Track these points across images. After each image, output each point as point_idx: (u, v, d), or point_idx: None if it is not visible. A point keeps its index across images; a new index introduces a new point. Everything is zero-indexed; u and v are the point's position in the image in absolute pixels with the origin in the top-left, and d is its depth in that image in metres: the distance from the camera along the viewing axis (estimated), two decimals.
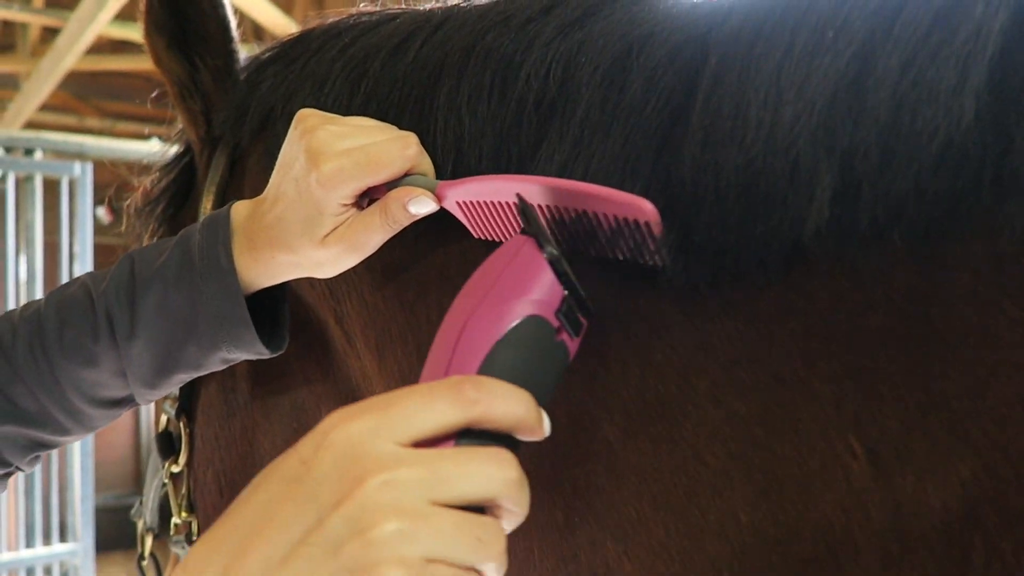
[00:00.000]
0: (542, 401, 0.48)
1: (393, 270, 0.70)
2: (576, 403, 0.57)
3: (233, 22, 0.89)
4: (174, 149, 0.98)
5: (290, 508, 0.40)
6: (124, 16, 3.65)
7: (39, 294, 3.22)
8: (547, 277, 0.51)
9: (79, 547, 3.19)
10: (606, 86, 0.57)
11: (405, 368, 0.69)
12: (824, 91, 0.46)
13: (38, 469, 2.89)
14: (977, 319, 0.43)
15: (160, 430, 0.93)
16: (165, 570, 0.97)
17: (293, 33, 0.87)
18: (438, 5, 0.76)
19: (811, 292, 0.48)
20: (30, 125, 4.94)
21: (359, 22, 0.79)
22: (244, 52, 0.91)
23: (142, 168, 1.02)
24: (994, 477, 0.41)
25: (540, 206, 0.56)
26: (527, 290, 0.50)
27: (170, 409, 0.91)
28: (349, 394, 0.78)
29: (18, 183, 3.21)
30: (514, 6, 0.66)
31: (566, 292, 0.51)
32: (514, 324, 0.49)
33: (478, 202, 0.60)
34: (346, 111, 0.71)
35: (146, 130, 4.81)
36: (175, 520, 0.92)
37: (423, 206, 0.61)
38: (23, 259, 3.24)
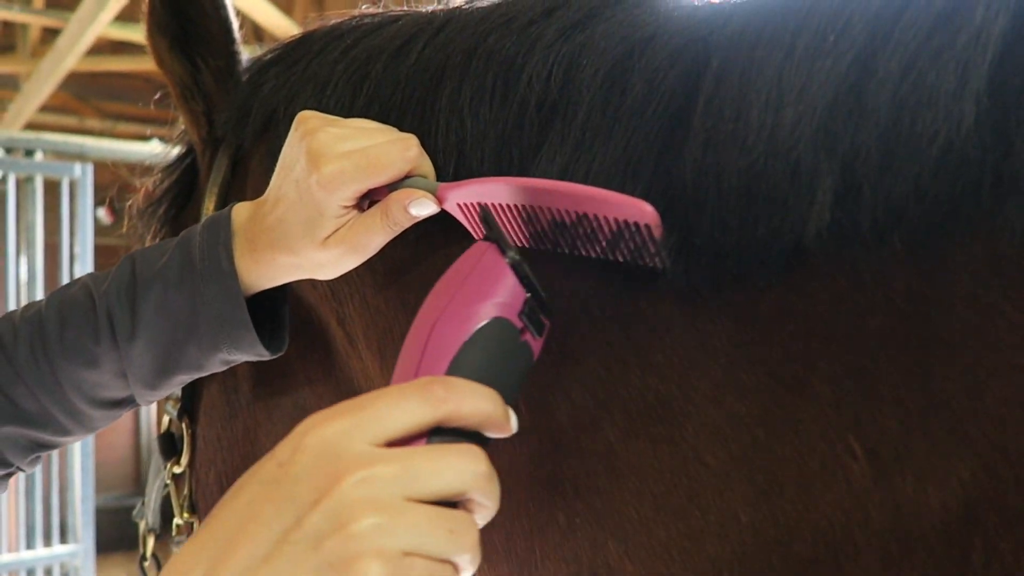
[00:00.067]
0: (509, 399, 0.49)
1: (395, 272, 0.70)
2: (577, 404, 0.58)
3: (235, 23, 0.90)
4: (176, 150, 0.98)
5: (270, 508, 0.42)
6: (124, 17, 3.64)
7: (39, 295, 3.22)
8: (510, 280, 0.52)
9: (79, 548, 3.19)
10: (607, 88, 0.57)
11: None
12: (825, 94, 0.47)
13: (38, 470, 2.89)
14: (977, 321, 0.43)
15: (162, 431, 0.93)
16: None
17: (295, 35, 0.87)
18: (440, 7, 0.76)
19: (811, 293, 0.48)
20: (30, 126, 4.94)
21: (361, 24, 0.79)
22: (246, 53, 0.91)
23: (143, 169, 1.02)
24: (994, 478, 0.42)
25: (540, 208, 0.56)
26: (491, 293, 0.52)
27: (172, 410, 0.91)
28: (351, 395, 0.77)
29: (18, 184, 3.21)
30: (516, 9, 0.66)
31: (528, 294, 0.53)
32: (480, 326, 0.51)
33: (479, 204, 0.60)
34: (348, 113, 0.72)
35: (148, 131, 4.82)
36: (177, 521, 0.92)
37: (424, 208, 0.61)
38: (24, 260, 3.24)
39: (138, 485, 6.79)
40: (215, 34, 0.88)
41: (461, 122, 0.64)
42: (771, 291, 0.50)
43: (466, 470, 0.43)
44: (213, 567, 0.41)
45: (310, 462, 0.42)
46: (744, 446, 0.50)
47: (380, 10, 0.81)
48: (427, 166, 0.64)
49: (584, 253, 0.56)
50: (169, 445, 0.92)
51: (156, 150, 1.02)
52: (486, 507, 0.45)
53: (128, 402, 0.73)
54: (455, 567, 0.43)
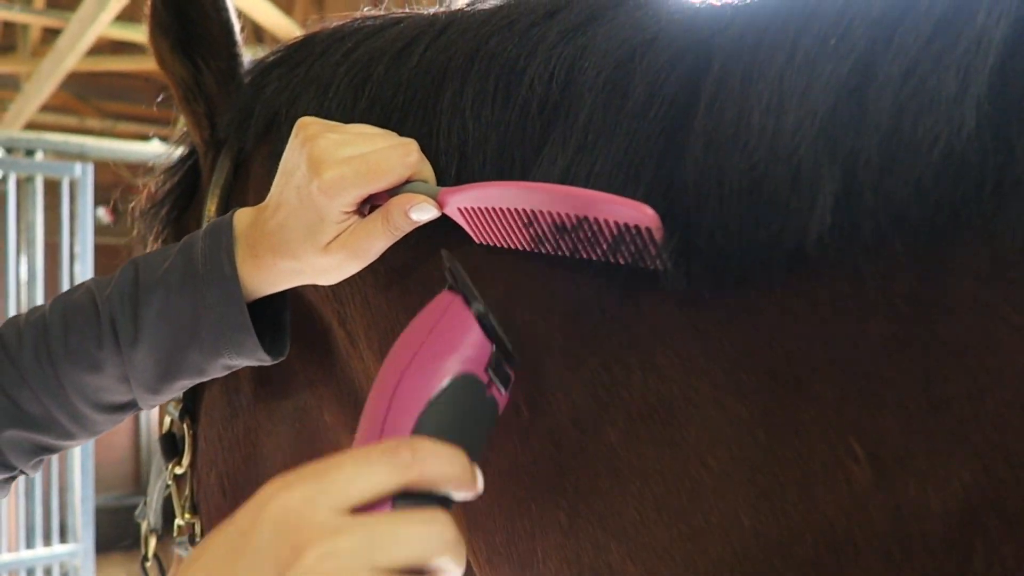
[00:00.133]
0: (475, 456, 0.49)
1: (397, 273, 0.70)
2: (578, 405, 0.58)
3: (237, 25, 0.90)
4: (178, 151, 0.99)
5: None
6: (125, 17, 3.64)
7: (40, 295, 3.23)
8: (475, 333, 0.52)
9: (79, 548, 3.19)
10: (609, 91, 0.57)
11: None
12: (826, 98, 0.47)
13: None
14: (978, 324, 0.43)
15: (164, 431, 0.93)
16: (168, 571, 0.97)
17: (297, 37, 0.87)
18: (442, 9, 0.76)
19: (813, 296, 0.49)
20: (31, 126, 4.93)
21: (363, 26, 0.79)
22: (247, 55, 0.92)
23: (143, 169, 1.02)
24: (995, 481, 0.42)
25: (540, 212, 0.56)
26: (457, 347, 0.51)
27: (174, 411, 0.91)
28: (352, 395, 0.78)
29: (19, 184, 3.21)
30: (518, 11, 0.67)
31: (494, 347, 0.52)
32: (445, 383, 0.50)
33: (479, 208, 0.60)
34: (350, 115, 0.72)
35: (151, 132, 4.82)
36: (178, 522, 0.92)
37: (425, 212, 0.61)
38: (24, 260, 3.24)
39: (138, 485, 6.79)
40: (217, 36, 0.88)
41: (463, 124, 0.64)
42: (772, 293, 0.50)
43: (432, 538, 0.43)
44: None
45: (272, 531, 0.41)
46: (745, 448, 0.50)
47: (382, 12, 0.81)
48: (428, 171, 0.64)
49: (585, 256, 0.56)
50: (171, 446, 0.92)
51: (156, 150, 1.02)
52: (452, 573, 0.44)
53: (131, 406, 0.73)
54: None
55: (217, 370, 0.72)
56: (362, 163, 0.61)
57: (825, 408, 0.47)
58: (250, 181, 0.85)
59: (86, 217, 3.25)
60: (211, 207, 0.86)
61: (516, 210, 0.57)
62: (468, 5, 0.74)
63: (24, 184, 3.23)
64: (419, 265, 0.69)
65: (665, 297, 0.54)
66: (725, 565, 0.50)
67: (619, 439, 0.56)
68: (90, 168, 3.26)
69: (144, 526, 0.98)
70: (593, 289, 0.58)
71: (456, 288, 0.54)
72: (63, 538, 3.22)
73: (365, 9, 0.84)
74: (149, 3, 0.87)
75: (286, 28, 3.73)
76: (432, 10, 0.77)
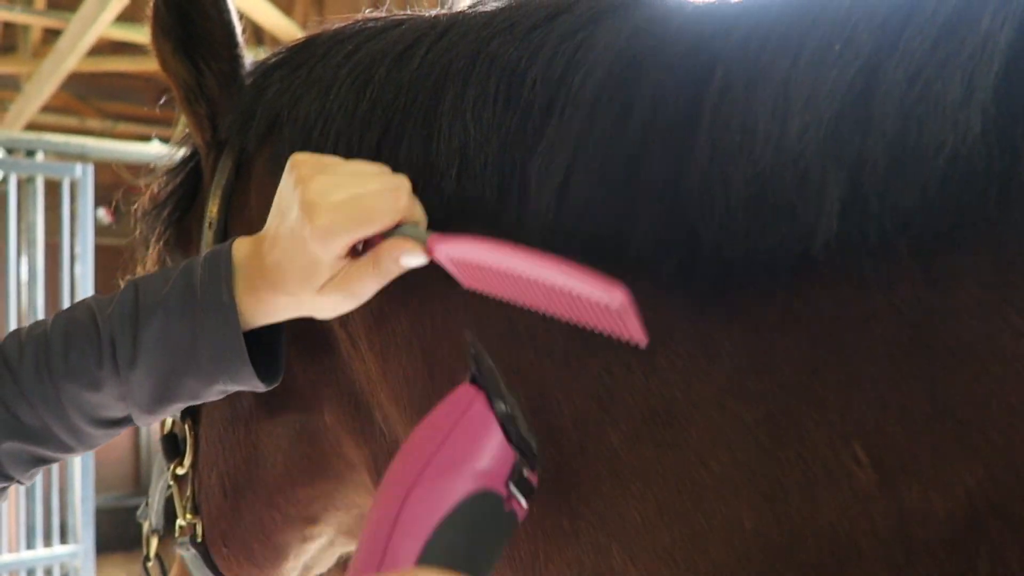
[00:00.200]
0: (487, 573, 0.46)
1: (398, 275, 0.70)
2: (580, 407, 0.58)
3: (238, 27, 0.90)
4: (180, 153, 0.98)
5: None
6: (126, 17, 3.64)
7: (40, 295, 3.23)
8: (497, 439, 0.48)
9: (79, 548, 3.20)
10: (611, 94, 0.57)
11: (409, 372, 0.70)
12: (831, 104, 0.47)
13: None
14: (982, 329, 0.43)
15: (165, 432, 0.93)
16: (170, 571, 0.97)
17: (299, 39, 0.87)
18: (443, 11, 0.76)
19: (818, 301, 0.49)
20: (31, 126, 4.94)
21: (365, 28, 0.79)
22: (248, 56, 0.91)
23: (144, 170, 1.02)
24: (999, 486, 0.42)
25: (523, 275, 0.54)
26: (475, 456, 0.47)
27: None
28: (352, 396, 0.78)
29: (19, 184, 3.22)
30: (519, 14, 0.67)
31: (517, 455, 0.48)
32: (460, 502, 0.46)
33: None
34: (351, 116, 0.72)
35: (152, 133, 4.82)
36: (180, 522, 0.92)
37: (414, 259, 0.62)
38: (24, 260, 3.24)
39: (138, 485, 6.80)
40: (218, 37, 0.88)
41: (464, 126, 0.64)
42: (777, 298, 0.50)
43: None
44: None
45: None
46: (748, 451, 0.50)
47: (383, 14, 0.81)
48: (418, 213, 0.64)
49: (566, 320, 0.54)
50: (172, 446, 0.92)
51: (157, 151, 1.02)
52: None
53: (127, 421, 0.74)
54: None
55: (212, 395, 0.73)
56: (353, 208, 0.62)
57: (828, 412, 0.47)
58: (252, 182, 0.85)
59: (87, 218, 3.26)
60: (213, 208, 0.86)
61: (501, 268, 0.56)
62: (470, 7, 0.74)
63: (25, 185, 3.23)
64: (421, 268, 0.69)
65: (668, 301, 0.54)
66: (727, 567, 0.50)
67: (621, 441, 0.55)
68: (91, 169, 3.26)
69: (146, 526, 0.98)
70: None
71: (480, 381, 0.50)
72: (63, 538, 3.22)
73: (366, 11, 0.84)
74: (151, 4, 0.86)
75: (286, 29, 3.73)
76: (433, 12, 0.77)
